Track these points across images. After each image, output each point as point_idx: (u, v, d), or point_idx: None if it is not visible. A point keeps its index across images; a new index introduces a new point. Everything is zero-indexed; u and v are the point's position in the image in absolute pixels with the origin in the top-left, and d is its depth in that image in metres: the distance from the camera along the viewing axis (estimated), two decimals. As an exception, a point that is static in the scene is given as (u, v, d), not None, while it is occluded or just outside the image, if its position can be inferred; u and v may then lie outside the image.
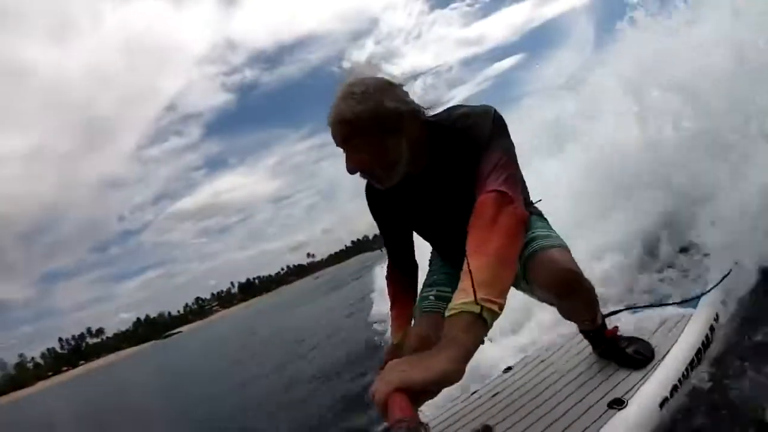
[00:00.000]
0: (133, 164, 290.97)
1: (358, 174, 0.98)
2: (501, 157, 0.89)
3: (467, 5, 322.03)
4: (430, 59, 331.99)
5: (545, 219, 1.23)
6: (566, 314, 1.15)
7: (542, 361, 1.47)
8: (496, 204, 0.82)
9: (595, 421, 1.00)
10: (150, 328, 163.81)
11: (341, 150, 0.96)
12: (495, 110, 0.98)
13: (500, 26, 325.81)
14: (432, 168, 1.02)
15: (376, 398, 0.67)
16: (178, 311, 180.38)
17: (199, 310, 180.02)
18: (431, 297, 1.22)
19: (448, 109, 1.04)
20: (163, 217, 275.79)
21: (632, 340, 1.25)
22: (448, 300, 0.81)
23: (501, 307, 0.73)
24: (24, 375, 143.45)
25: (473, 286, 0.72)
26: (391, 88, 0.96)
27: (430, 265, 1.33)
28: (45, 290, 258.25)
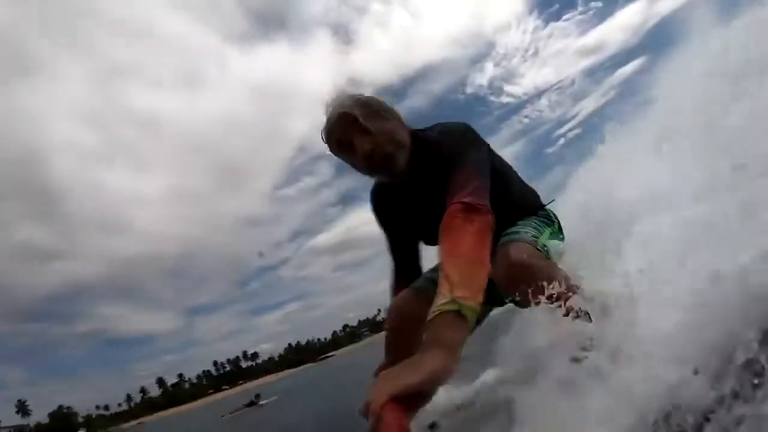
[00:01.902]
0: (269, 203, 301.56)
1: (365, 172, 1.14)
2: (468, 171, 0.99)
3: (580, 14, 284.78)
4: (552, 75, 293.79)
5: (547, 219, 1.26)
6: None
7: None
8: (461, 214, 0.90)
9: None
10: (303, 353, 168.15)
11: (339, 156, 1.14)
12: (466, 126, 1.12)
13: (617, 29, 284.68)
14: (415, 178, 1.15)
15: (371, 409, 0.65)
16: (325, 338, 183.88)
17: (350, 334, 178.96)
18: (424, 277, 1.28)
19: (430, 126, 1.18)
20: (301, 252, 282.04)
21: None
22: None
23: (478, 304, 0.79)
24: (182, 393, 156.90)
25: (450, 288, 0.78)
26: (374, 98, 1.15)
27: None
28: (189, 323, 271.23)
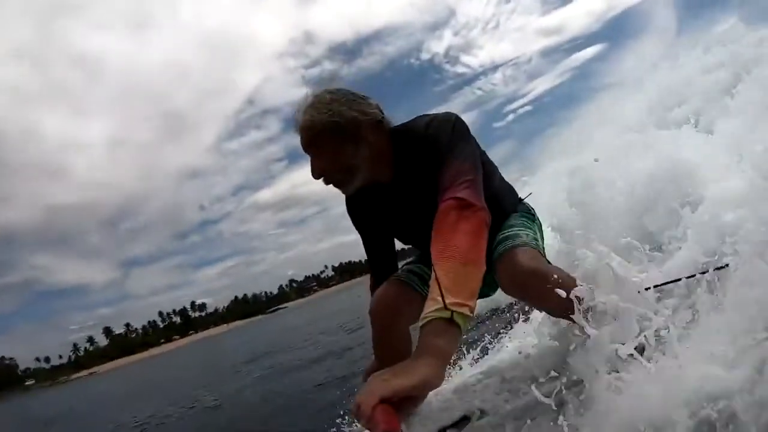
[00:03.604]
0: (213, 156, 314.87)
1: (321, 180, 1.04)
2: (460, 165, 0.95)
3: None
4: (509, 50, 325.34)
5: (530, 215, 1.25)
6: (551, 315, 1.05)
7: None
8: (455, 210, 0.86)
9: None
10: (251, 306, 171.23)
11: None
12: (456, 117, 1.05)
13: (580, 14, 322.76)
14: (400, 176, 1.09)
15: (361, 410, 0.66)
16: (271, 292, 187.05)
17: (298, 289, 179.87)
18: (405, 269, 1.24)
19: (414, 118, 1.11)
20: (243, 207, 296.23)
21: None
22: (420, 275, 1.09)
23: (471, 310, 0.77)
24: (132, 343, 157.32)
25: (441, 293, 0.75)
26: (351, 100, 1.03)
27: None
28: (125, 274, 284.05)
